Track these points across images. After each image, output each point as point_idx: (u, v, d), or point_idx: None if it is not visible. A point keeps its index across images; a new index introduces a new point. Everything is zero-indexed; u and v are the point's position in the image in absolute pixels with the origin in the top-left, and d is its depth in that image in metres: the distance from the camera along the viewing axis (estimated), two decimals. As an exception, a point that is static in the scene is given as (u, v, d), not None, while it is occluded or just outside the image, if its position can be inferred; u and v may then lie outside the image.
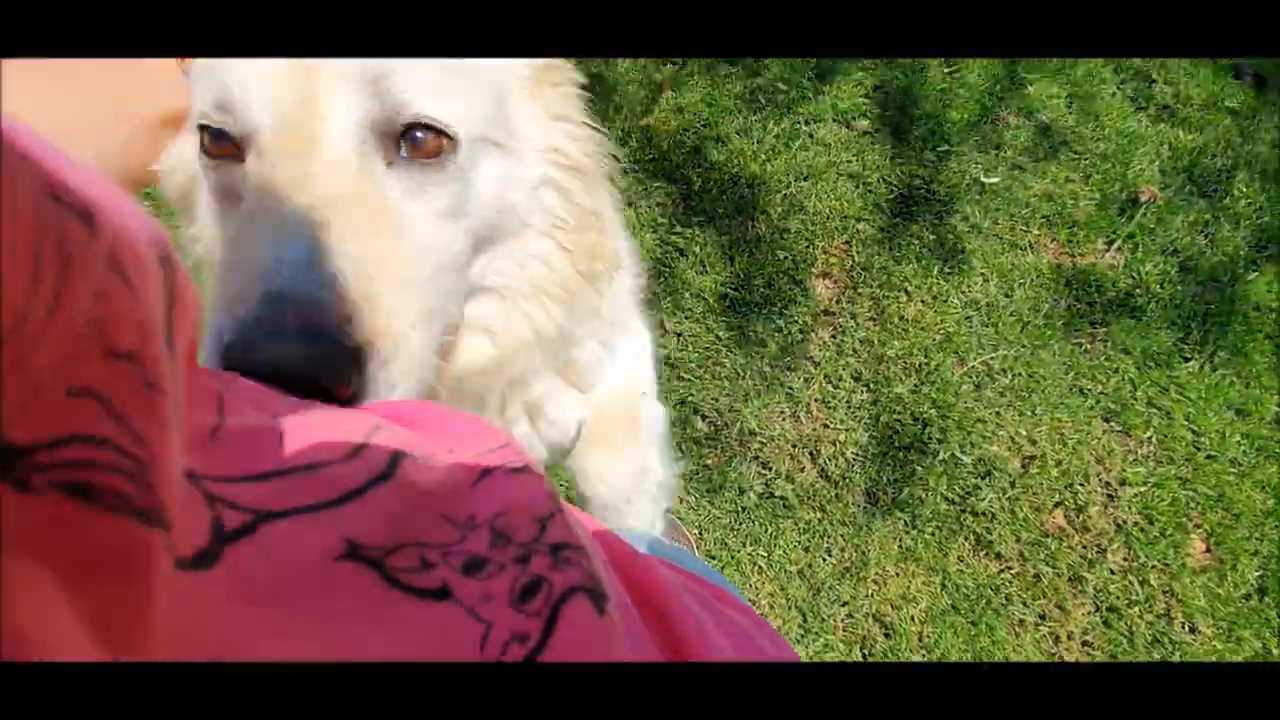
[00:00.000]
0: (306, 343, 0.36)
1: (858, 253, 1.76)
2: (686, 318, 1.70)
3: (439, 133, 0.47)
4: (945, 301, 1.72)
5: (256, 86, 0.45)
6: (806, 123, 1.92)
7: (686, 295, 1.72)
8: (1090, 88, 1.98)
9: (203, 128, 0.47)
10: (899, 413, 1.61)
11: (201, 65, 0.48)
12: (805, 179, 1.84)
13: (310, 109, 0.44)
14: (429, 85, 0.46)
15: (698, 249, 1.77)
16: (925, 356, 1.66)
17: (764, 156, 1.87)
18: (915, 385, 1.64)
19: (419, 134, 0.46)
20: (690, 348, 1.67)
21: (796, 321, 1.69)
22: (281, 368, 0.34)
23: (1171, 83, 2.00)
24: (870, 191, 1.83)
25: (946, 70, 2.00)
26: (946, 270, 1.75)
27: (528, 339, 0.58)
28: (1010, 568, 1.49)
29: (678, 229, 1.79)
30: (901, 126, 1.91)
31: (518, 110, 0.54)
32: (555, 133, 0.56)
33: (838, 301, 1.73)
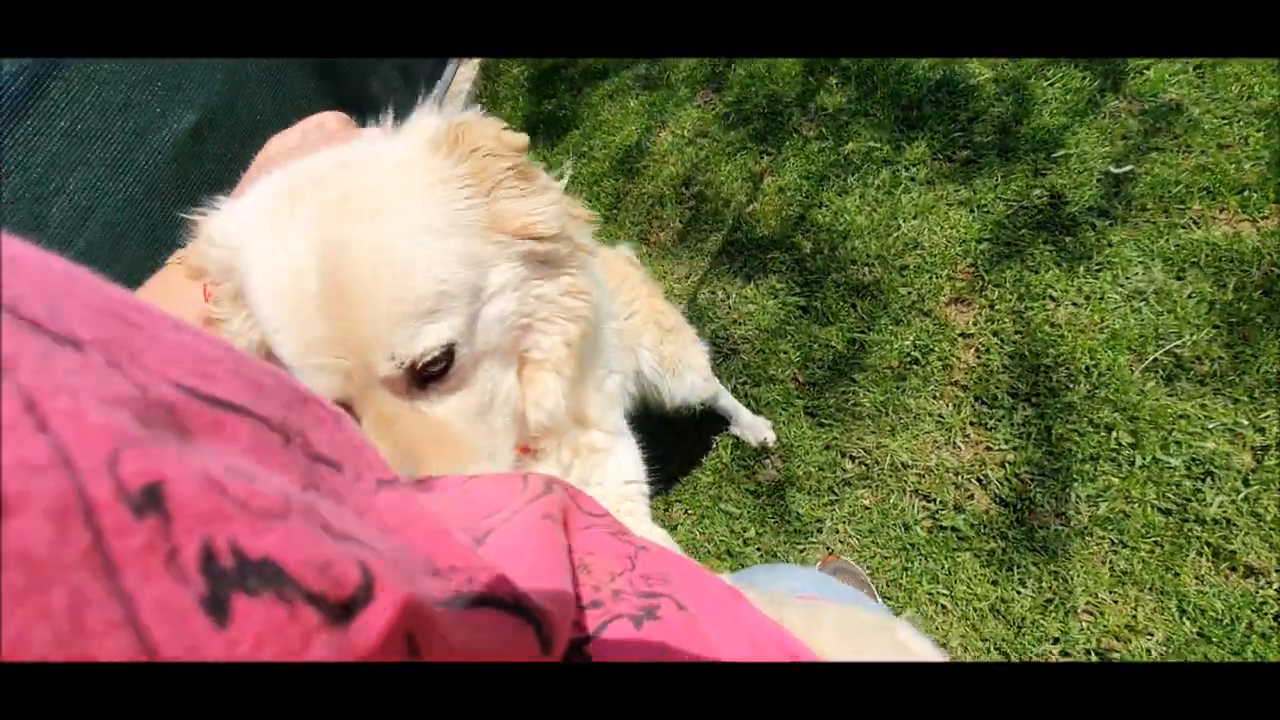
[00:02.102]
0: None
1: (985, 272, 1.71)
2: (819, 368, 1.74)
3: (438, 357, 0.53)
4: (1102, 299, 1.58)
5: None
6: (906, 169, 1.98)
7: (815, 347, 1.76)
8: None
9: None
10: (1074, 422, 1.46)
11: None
12: (915, 218, 1.87)
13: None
14: (404, 329, 0.52)
15: (818, 304, 1.83)
16: (1092, 359, 1.52)
17: (869, 209, 1.94)
18: (1089, 390, 1.49)
19: (430, 366, 0.54)
20: (826, 393, 1.69)
21: (933, 351, 1.65)
22: None
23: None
24: (987, 212, 1.80)
25: (1046, 83, 1.97)
26: (1095, 267, 1.63)
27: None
28: (1272, 582, 1.22)
29: (796, 290, 1.88)
30: (1006, 145, 1.89)
31: (487, 248, 0.57)
32: (521, 240, 0.59)
33: (975, 323, 1.66)
